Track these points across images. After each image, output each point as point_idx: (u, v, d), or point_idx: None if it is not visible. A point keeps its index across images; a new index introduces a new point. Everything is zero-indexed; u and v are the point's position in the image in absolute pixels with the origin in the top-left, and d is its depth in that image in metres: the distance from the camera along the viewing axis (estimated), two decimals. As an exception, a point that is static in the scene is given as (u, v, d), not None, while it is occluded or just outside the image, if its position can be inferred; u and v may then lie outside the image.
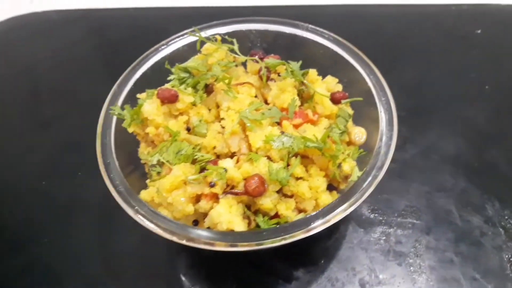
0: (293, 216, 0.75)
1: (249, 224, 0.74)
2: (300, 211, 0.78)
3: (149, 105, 0.82)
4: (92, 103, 0.95)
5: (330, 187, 0.82)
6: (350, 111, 0.91)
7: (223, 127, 0.83)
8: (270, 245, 0.66)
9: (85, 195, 1.07)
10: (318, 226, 0.68)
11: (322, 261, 0.92)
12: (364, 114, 0.90)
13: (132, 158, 0.90)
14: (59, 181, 1.11)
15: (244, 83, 0.87)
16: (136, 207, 0.73)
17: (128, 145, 0.89)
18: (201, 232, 0.69)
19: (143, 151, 0.87)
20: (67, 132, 1.21)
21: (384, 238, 0.95)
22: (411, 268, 0.91)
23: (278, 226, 0.70)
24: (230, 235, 0.68)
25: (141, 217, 0.71)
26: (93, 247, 0.99)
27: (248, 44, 1.03)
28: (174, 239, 0.69)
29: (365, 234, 0.96)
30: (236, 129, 0.79)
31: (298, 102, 0.84)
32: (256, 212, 0.76)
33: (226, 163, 0.75)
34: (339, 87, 0.93)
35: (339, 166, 0.78)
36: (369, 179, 0.74)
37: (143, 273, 0.96)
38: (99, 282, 0.95)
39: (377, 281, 0.89)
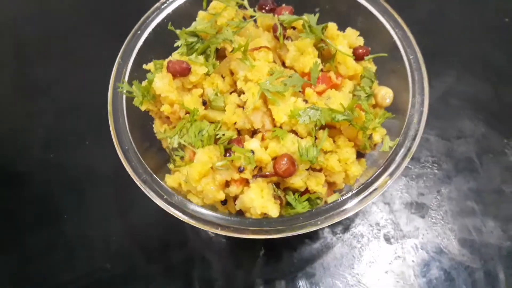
0: (324, 191, 0.74)
1: (280, 203, 0.73)
2: (329, 184, 0.76)
3: (160, 80, 0.76)
4: (90, 60, 0.88)
5: (357, 153, 0.79)
6: (373, 67, 0.85)
7: (240, 98, 0.78)
8: (307, 230, 0.66)
9: (97, 164, 1.04)
10: (355, 207, 0.67)
11: (346, 219, 0.93)
12: (387, 68, 0.85)
13: (146, 133, 0.86)
14: (68, 152, 1.07)
15: (260, 47, 0.79)
16: (165, 197, 0.71)
17: (140, 120, 0.84)
18: (236, 220, 0.68)
19: (159, 128, 0.83)
20: (66, 96, 1.13)
21: (406, 191, 0.95)
22: (434, 219, 0.92)
23: (313, 210, 0.69)
24: (267, 224, 0.67)
25: (172, 208, 0.69)
26: (113, 219, 0.99)
27: (256, -7, 0.93)
28: (207, 228, 0.68)
29: (386, 188, 0.95)
30: (258, 104, 0.74)
31: (320, 66, 0.78)
32: (286, 189, 0.75)
33: (253, 144, 0.71)
34: (361, 41, 0.86)
35: (370, 136, 0.75)
36: (403, 150, 0.71)
37: (168, 240, 0.97)
38: (124, 253, 0.96)
39: (401, 234, 0.91)
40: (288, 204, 0.74)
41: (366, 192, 0.68)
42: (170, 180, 0.74)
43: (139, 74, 0.83)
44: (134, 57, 0.83)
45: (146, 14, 0.87)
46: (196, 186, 0.69)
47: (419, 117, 0.74)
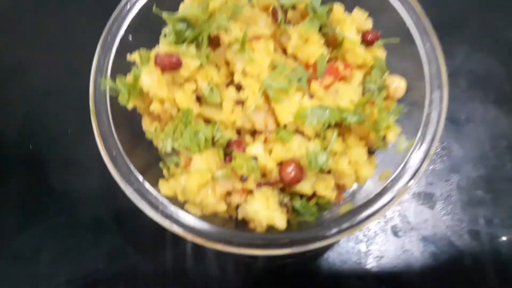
0: (333, 195, 0.68)
1: (286, 211, 0.67)
2: (338, 186, 0.71)
3: (148, 76, 0.68)
4: (68, 39, 0.78)
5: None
6: (383, 53, 0.77)
7: (238, 93, 0.70)
8: (321, 245, 0.61)
9: (82, 156, 0.97)
10: (371, 218, 0.61)
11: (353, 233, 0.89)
12: (398, 53, 0.77)
13: (134, 128, 0.78)
14: (48, 143, 0.98)
15: (259, 36, 0.71)
16: (161, 209, 0.64)
17: (127, 115, 0.76)
18: (243, 235, 0.62)
19: (148, 127, 0.75)
20: (44, 80, 1.03)
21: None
22: (443, 210, 0.88)
23: (325, 223, 0.63)
24: (274, 239, 0.62)
25: (168, 221, 0.63)
26: (102, 217, 0.93)
27: (251, -33, 0.83)
28: (209, 245, 0.62)
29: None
30: (260, 104, 0.67)
31: (327, 57, 0.70)
32: (292, 194, 0.69)
33: (255, 149, 0.65)
34: (369, 24, 0.78)
35: (383, 136, 0.68)
36: (420, 154, 0.65)
37: (163, 238, 0.92)
38: (117, 253, 0.91)
39: (409, 227, 0.87)
40: (295, 210, 0.69)
41: (382, 202, 0.63)
42: (165, 189, 0.67)
43: (122, 67, 0.74)
44: (116, 46, 0.74)
45: (126, -2, 0.76)
46: (195, 199, 0.63)
47: (438, 116, 0.68)
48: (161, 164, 0.74)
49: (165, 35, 0.73)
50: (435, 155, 0.92)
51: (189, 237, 0.62)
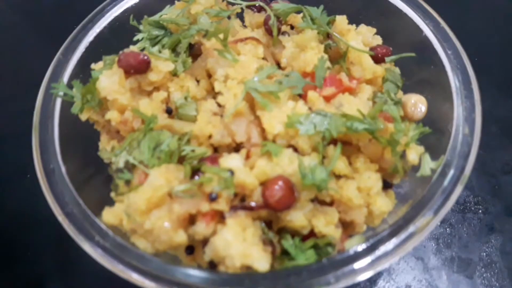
0: (337, 235, 0.50)
1: (272, 252, 0.49)
2: (344, 224, 0.52)
3: (108, 78, 0.55)
4: (35, 81, 0.67)
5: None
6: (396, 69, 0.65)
7: (220, 106, 0.56)
8: (315, 293, 0.41)
9: (40, 203, 0.80)
10: (390, 256, 0.43)
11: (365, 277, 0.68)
12: (415, 75, 0.64)
13: (91, 158, 0.63)
14: (3, 187, 0.84)
15: (247, 38, 0.59)
16: (97, 238, 0.47)
17: (83, 139, 0.62)
18: (203, 275, 0.43)
19: (105, 146, 0.60)
20: (6, 122, 0.92)
21: (444, 241, 0.71)
22: (485, 281, 0.67)
23: (323, 261, 0.44)
24: (250, 283, 0.42)
25: (102, 254, 0.45)
26: (55, 275, 0.74)
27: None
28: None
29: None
30: (242, 108, 0.52)
31: (328, 63, 0.58)
32: (281, 231, 0.51)
33: (232, 161, 0.49)
34: (378, 40, 0.66)
35: (402, 155, 0.52)
36: (451, 172, 0.48)
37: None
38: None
39: (442, 303, 0.66)
40: (285, 253, 0.50)
41: (403, 235, 0.44)
42: (109, 215, 0.50)
43: (84, 78, 0.62)
44: (80, 54, 0.63)
45: (101, 5, 0.67)
46: (143, 222, 0.45)
47: (470, 127, 0.52)
48: (112, 194, 0.58)
49: (137, 41, 0.63)
50: (469, 212, 0.74)
51: (130, 276, 0.44)
